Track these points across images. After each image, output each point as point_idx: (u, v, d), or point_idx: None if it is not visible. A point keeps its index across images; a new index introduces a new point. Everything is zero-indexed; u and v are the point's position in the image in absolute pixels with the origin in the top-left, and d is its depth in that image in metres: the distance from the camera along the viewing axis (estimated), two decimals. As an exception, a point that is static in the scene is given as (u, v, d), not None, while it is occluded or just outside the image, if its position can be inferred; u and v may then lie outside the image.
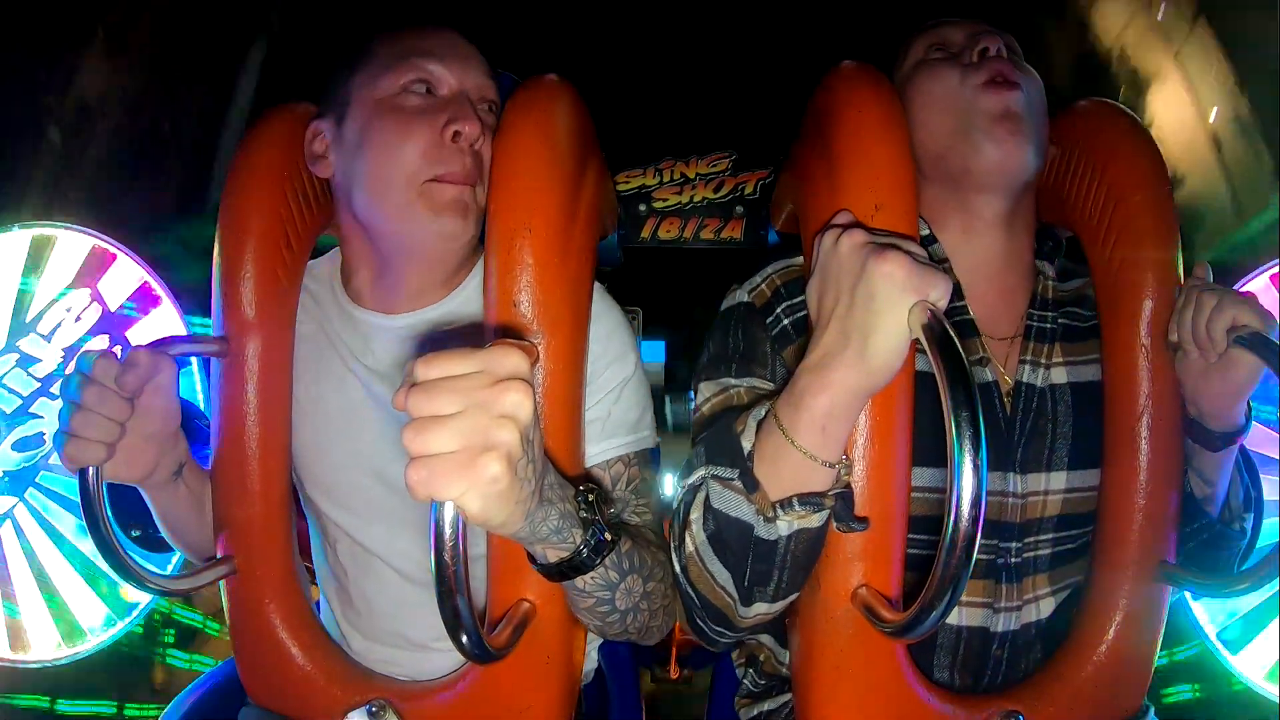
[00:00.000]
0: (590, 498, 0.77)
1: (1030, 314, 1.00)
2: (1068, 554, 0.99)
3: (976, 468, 0.62)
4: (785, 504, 0.78)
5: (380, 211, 0.95)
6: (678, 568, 0.87)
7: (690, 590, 0.87)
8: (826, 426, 0.75)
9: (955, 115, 0.95)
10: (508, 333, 0.85)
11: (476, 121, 0.92)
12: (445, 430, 0.58)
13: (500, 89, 1.02)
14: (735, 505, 0.80)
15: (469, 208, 0.94)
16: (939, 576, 0.65)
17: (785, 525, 0.79)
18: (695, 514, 0.85)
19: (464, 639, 0.66)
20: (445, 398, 0.58)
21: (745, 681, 1.14)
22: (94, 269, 1.72)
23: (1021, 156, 0.93)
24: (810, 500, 0.78)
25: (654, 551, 0.89)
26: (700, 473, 0.84)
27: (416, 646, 1.02)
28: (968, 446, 0.63)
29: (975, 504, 0.62)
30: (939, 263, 0.98)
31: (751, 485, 0.79)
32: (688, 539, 0.85)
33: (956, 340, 0.67)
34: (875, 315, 0.72)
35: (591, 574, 0.79)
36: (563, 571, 0.78)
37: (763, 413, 0.81)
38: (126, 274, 1.73)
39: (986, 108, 0.93)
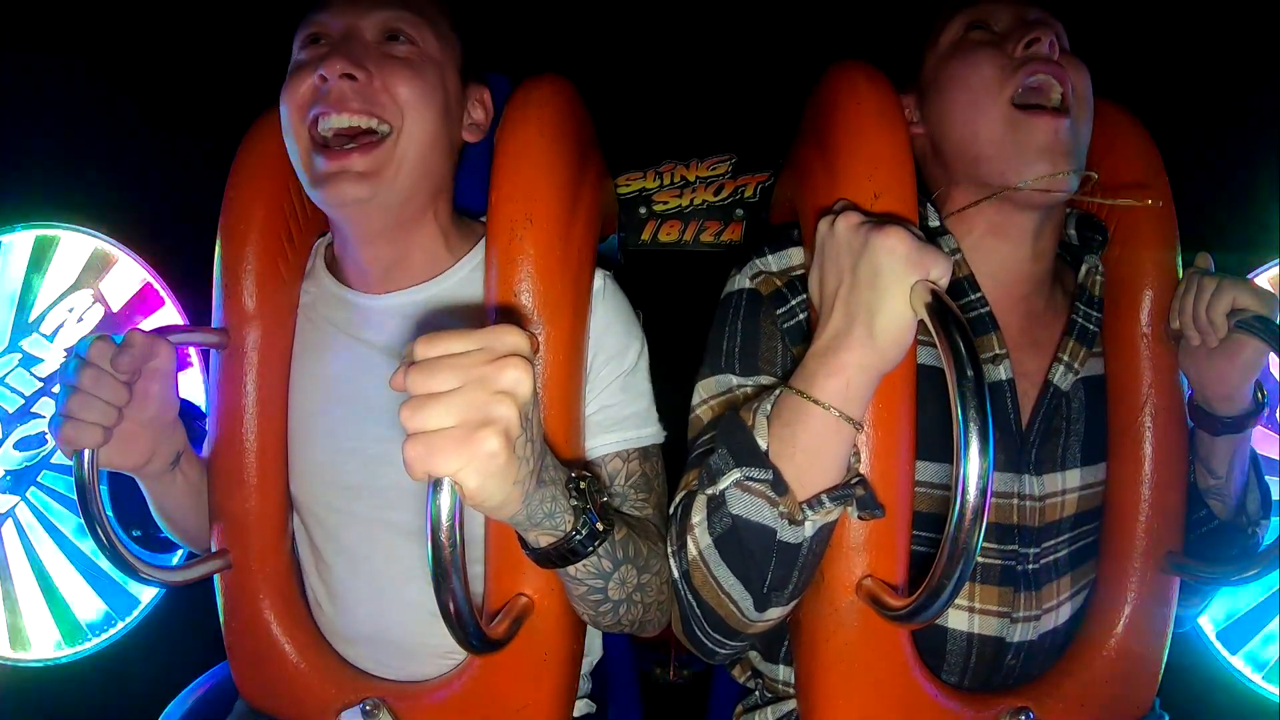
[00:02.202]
0: (582, 485, 0.75)
1: (1076, 308, 0.97)
2: (1084, 551, 0.97)
3: (984, 443, 0.62)
4: (814, 503, 0.76)
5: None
6: (677, 573, 0.84)
7: (691, 598, 0.83)
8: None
9: (998, 127, 0.89)
10: (508, 322, 0.84)
11: (335, 58, 0.84)
12: (442, 406, 0.57)
13: (496, 93, 1.02)
14: (757, 510, 0.77)
15: (360, 177, 0.86)
16: (947, 555, 0.64)
17: (811, 526, 0.76)
18: (697, 516, 0.81)
19: (460, 628, 0.65)
20: (444, 375, 0.58)
21: (756, 694, 1.11)
22: (97, 270, 1.73)
23: (1064, 181, 0.89)
24: (840, 495, 0.76)
25: (652, 544, 0.86)
26: (733, 475, 0.78)
27: (391, 663, 0.99)
28: (973, 419, 0.62)
29: (983, 477, 0.62)
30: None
31: (782, 488, 0.76)
32: (690, 543, 0.82)
33: (958, 317, 0.66)
34: (880, 292, 0.70)
35: (584, 562, 0.77)
36: (552, 558, 0.76)
37: (769, 405, 0.78)
38: (129, 275, 1.74)
39: (1034, 138, 0.87)
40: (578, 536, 0.74)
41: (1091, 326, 0.97)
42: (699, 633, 0.86)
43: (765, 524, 0.77)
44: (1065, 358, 0.95)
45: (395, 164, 0.89)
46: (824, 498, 0.76)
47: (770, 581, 0.79)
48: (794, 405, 0.76)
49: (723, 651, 0.88)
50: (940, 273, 0.70)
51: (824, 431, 0.75)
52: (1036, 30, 0.89)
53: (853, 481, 0.78)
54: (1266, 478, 1.02)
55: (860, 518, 0.79)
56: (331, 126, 0.87)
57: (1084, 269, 0.99)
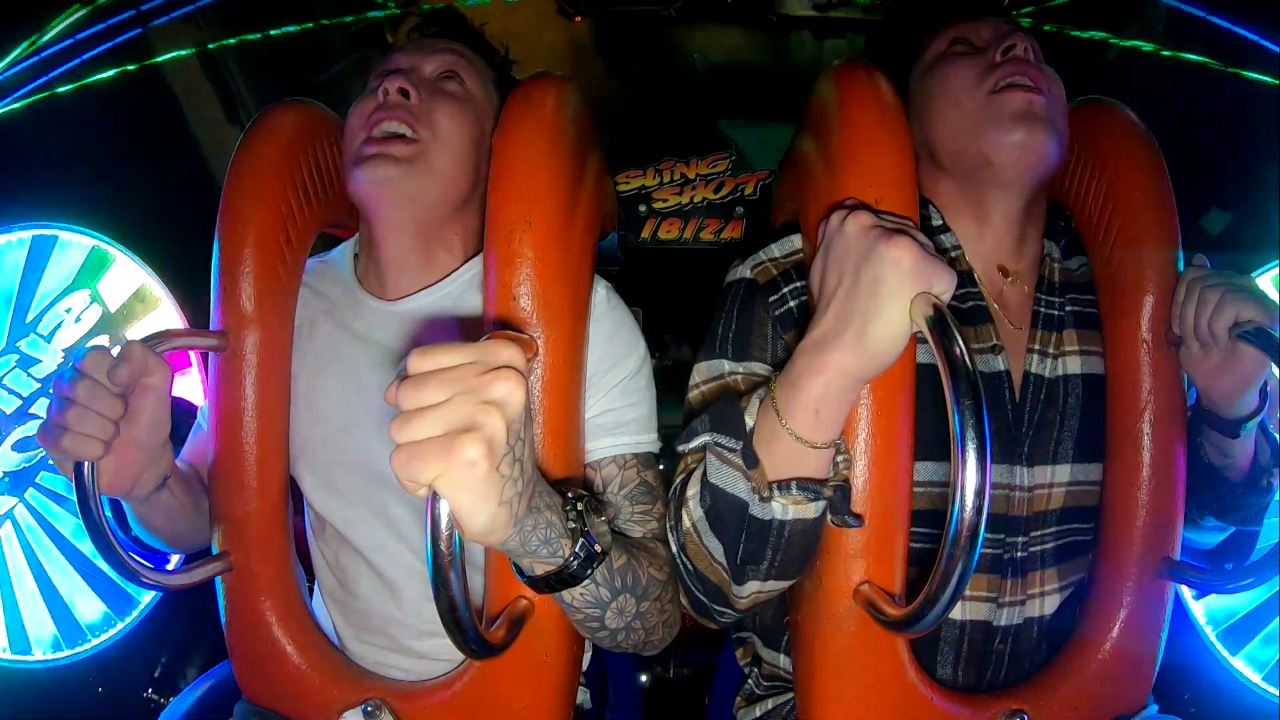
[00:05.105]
0: (580, 506, 0.74)
1: (1038, 299, 0.99)
2: (1073, 549, 0.98)
3: (981, 460, 0.62)
4: (783, 486, 0.77)
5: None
6: (675, 546, 0.87)
7: (689, 566, 0.86)
8: (819, 410, 0.74)
9: (976, 110, 0.93)
10: (506, 326, 0.84)
11: (397, 77, 0.98)
12: (429, 417, 0.57)
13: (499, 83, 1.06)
14: (732, 481, 0.79)
15: (394, 160, 0.95)
16: (943, 569, 0.64)
17: (780, 508, 0.77)
18: (692, 490, 0.84)
19: (460, 633, 0.66)
20: (435, 389, 0.58)
21: (749, 682, 1.12)
22: (94, 269, 1.73)
23: (1042, 150, 0.91)
24: (808, 487, 0.77)
25: (653, 570, 0.87)
26: (703, 438, 0.81)
27: (405, 651, 1.01)
28: (971, 438, 0.62)
29: (979, 495, 0.62)
30: (947, 253, 0.97)
31: (751, 460, 0.77)
32: (685, 515, 0.85)
33: (959, 334, 0.66)
34: (878, 301, 0.70)
35: (580, 590, 0.77)
36: (549, 584, 0.76)
37: (765, 392, 0.80)
38: (126, 274, 1.73)
39: (1008, 107, 0.91)
40: (575, 561, 0.74)
41: (1055, 313, 0.98)
42: (701, 598, 0.88)
43: (738, 496, 0.79)
44: (1037, 347, 0.97)
45: (425, 166, 0.97)
46: (792, 484, 0.77)
47: (743, 554, 0.80)
48: (771, 423, 0.77)
49: (725, 620, 0.91)
50: (944, 287, 0.70)
51: (796, 453, 0.76)
52: (1013, 38, 0.95)
53: (828, 482, 0.78)
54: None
55: (833, 523, 0.79)
56: (383, 130, 0.98)
57: (1042, 255, 1.01)
